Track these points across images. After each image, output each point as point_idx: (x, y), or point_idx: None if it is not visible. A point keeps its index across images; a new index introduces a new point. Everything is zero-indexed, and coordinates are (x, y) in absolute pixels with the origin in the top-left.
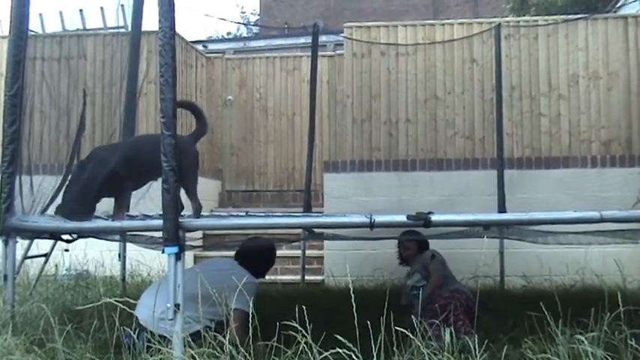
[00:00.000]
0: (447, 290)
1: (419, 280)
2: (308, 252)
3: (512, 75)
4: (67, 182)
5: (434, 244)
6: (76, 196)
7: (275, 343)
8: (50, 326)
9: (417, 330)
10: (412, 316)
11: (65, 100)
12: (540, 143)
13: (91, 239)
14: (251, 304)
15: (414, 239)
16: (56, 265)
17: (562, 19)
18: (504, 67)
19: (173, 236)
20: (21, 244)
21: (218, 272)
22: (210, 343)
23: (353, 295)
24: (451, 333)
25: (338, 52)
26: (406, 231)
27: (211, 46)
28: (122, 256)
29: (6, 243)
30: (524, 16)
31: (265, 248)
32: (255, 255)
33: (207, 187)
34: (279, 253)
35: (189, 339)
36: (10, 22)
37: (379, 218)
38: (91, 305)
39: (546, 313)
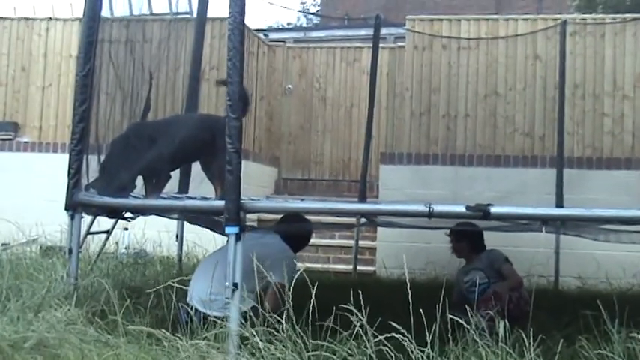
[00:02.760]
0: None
1: (481, 278)
2: (361, 242)
3: (575, 73)
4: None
5: (489, 241)
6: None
7: (331, 324)
8: (110, 300)
9: (472, 322)
10: (467, 307)
11: (130, 82)
12: (602, 143)
13: (150, 219)
14: (293, 277)
15: (466, 234)
16: (116, 243)
17: (630, 18)
18: (568, 64)
19: (235, 217)
20: (84, 221)
21: (261, 246)
22: (265, 320)
23: (408, 285)
24: (505, 326)
25: (398, 44)
26: (461, 223)
27: (272, 35)
28: (179, 237)
29: (72, 218)
30: (590, 13)
31: (306, 225)
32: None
33: (263, 174)
34: (332, 242)
35: (251, 313)
36: (85, 3)
37: (438, 208)
38: (155, 289)
39: (603, 311)
